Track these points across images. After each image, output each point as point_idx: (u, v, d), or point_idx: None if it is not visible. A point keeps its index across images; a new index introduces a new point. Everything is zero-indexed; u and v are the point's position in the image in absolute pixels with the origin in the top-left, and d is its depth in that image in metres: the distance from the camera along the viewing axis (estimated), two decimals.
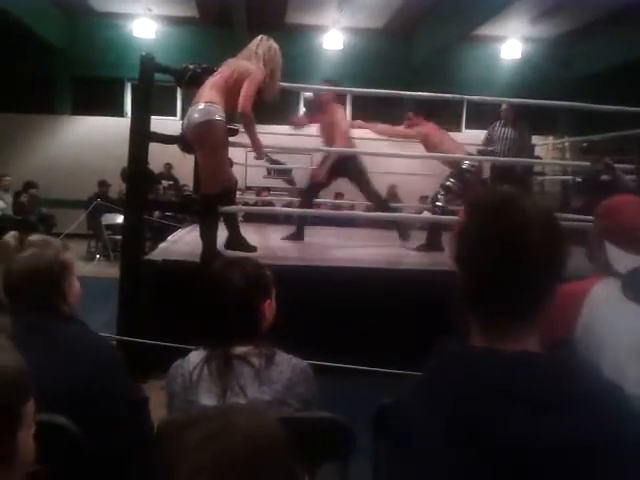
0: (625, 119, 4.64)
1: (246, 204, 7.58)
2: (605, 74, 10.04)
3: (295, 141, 5.85)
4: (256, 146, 3.66)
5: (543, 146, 9.46)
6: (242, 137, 3.92)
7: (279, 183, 10.32)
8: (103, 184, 9.22)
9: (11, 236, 1.75)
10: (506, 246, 0.84)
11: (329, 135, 4.81)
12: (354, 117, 9.75)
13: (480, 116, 9.87)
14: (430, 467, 0.82)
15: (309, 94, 5.60)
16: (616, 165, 3.94)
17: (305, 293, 2.98)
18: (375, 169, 7.56)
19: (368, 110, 9.87)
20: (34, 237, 1.69)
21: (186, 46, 10.34)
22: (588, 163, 4.17)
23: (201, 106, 3.39)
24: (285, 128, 5.92)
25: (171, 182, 9.72)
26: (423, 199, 8.40)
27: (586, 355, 1.34)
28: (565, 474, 0.75)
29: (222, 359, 1.42)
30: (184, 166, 5.18)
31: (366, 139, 6.09)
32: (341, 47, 10.89)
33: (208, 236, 3.54)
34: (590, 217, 1.85)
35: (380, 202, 5.14)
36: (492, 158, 5.37)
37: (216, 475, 0.62)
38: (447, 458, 0.80)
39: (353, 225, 7.16)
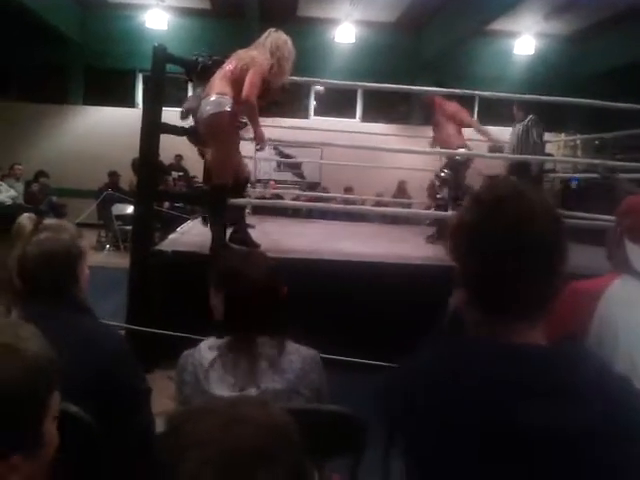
0: (638, 117, 4.60)
1: (257, 198, 7.58)
2: (618, 71, 9.95)
3: (305, 135, 5.84)
4: (258, 136, 3.59)
5: (554, 143, 9.39)
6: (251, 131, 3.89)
7: (289, 176, 10.33)
8: (114, 174, 9.25)
9: (26, 217, 1.67)
10: (510, 237, 0.84)
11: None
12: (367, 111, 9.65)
13: (492, 112, 9.80)
14: (436, 456, 0.83)
15: (321, 88, 5.61)
16: (627, 164, 3.92)
17: (313, 287, 2.98)
18: (383, 164, 7.54)
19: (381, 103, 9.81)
20: (49, 221, 1.65)
21: (198, 38, 10.30)
22: (599, 161, 4.15)
23: (213, 98, 3.40)
24: (294, 121, 5.92)
25: (181, 173, 9.74)
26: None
27: (599, 350, 1.35)
28: (572, 460, 0.76)
29: (240, 349, 1.43)
30: (194, 158, 5.17)
31: (373, 134, 6.08)
32: (353, 40, 10.79)
33: (217, 227, 3.55)
34: (585, 215, 1.85)
35: None
36: (498, 155, 5.37)
37: (222, 467, 0.60)
38: (450, 449, 0.81)
39: (364, 220, 7.14)
